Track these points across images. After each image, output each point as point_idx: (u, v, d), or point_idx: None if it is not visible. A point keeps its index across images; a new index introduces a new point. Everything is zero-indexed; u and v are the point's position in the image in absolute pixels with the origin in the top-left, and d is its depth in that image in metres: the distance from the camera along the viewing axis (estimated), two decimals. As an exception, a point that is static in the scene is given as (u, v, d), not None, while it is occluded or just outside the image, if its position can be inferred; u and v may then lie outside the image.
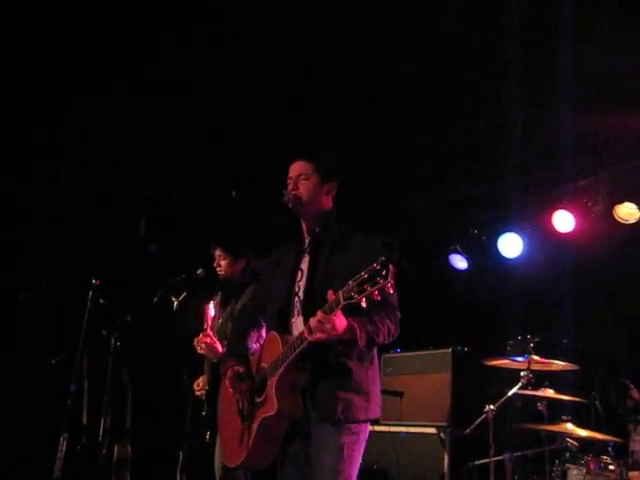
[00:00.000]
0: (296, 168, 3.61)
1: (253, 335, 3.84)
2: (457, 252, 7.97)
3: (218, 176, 6.52)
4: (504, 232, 7.53)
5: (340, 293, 3.03)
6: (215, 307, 5.26)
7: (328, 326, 3.07)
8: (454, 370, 6.45)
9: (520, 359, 5.40)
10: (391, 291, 2.93)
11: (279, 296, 3.58)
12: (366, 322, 3.21)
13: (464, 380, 6.44)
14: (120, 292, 6.57)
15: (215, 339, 4.85)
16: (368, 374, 3.43)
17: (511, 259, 7.51)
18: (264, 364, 3.49)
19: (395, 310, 3.39)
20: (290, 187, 3.57)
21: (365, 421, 3.39)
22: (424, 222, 7.92)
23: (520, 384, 5.34)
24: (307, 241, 3.63)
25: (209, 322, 4.99)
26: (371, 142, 6.38)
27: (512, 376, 5.53)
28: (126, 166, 6.77)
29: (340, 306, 3.05)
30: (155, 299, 5.33)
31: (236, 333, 3.92)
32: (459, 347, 6.58)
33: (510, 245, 7.50)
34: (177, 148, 6.53)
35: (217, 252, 5.14)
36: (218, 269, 5.13)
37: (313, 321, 3.12)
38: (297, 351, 3.26)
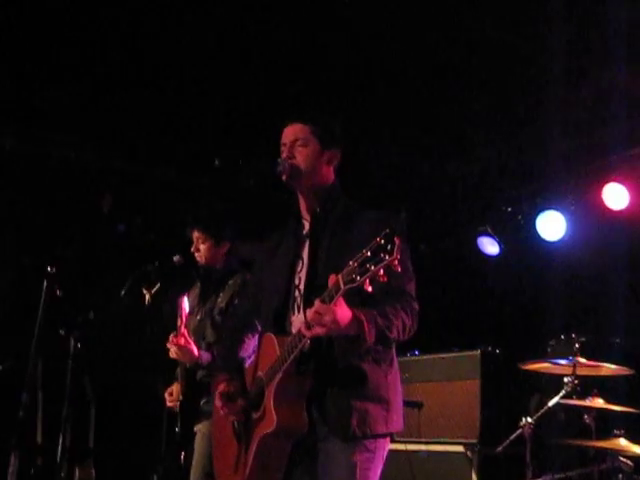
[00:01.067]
0: (291, 132, 3.55)
1: (248, 342, 3.81)
2: (487, 234, 7.96)
3: (198, 143, 6.51)
4: (544, 210, 7.51)
5: (340, 277, 2.97)
6: (192, 301, 5.24)
7: (327, 318, 3.01)
8: (484, 376, 6.43)
9: (563, 362, 5.38)
10: (399, 269, 2.87)
11: (276, 290, 3.55)
12: (375, 314, 3.15)
13: (496, 388, 6.43)
14: (81, 283, 6.63)
15: (190, 340, 4.83)
16: (387, 378, 3.39)
17: (552, 242, 7.49)
18: (260, 373, 3.47)
19: (412, 300, 3.34)
20: (285, 154, 3.52)
21: (385, 435, 3.36)
22: (447, 198, 7.91)
23: (563, 392, 5.33)
24: (307, 223, 3.60)
25: (183, 319, 4.96)
26: (377, 103, 6.38)
27: (554, 383, 5.51)
28: (87, 133, 6.75)
29: (341, 292, 2.98)
30: (123, 291, 5.30)
31: (227, 340, 3.90)
32: (489, 348, 6.57)
33: (551, 225, 7.49)
34: (148, 110, 6.51)
35: (195, 234, 5.12)
36: (196, 255, 5.11)
37: (310, 313, 3.08)
38: (295, 352, 3.23)
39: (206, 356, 4.79)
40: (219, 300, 4.99)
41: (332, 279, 3.03)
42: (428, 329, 7.46)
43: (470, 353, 6.59)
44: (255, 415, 3.41)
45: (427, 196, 7.88)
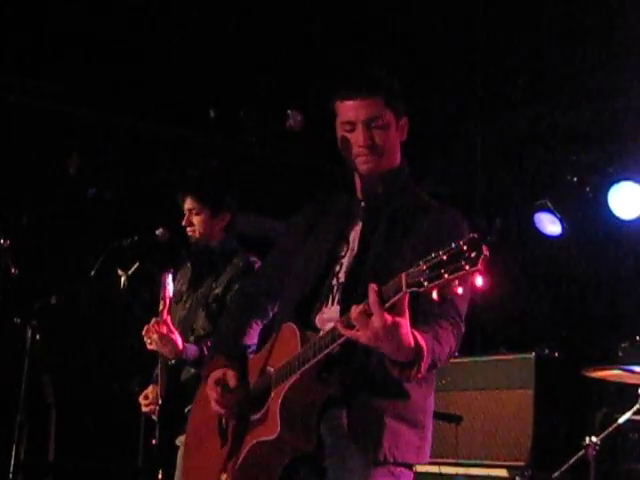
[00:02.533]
0: (363, 109, 3.53)
1: (255, 327, 3.84)
2: (546, 210, 7.95)
3: (188, 89, 6.53)
4: (617, 181, 7.50)
5: (403, 276, 2.94)
6: (179, 285, 5.29)
7: (377, 324, 2.96)
8: (538, 384, 6.45)
9: (638, 370, 5.40)
10: (477, 284, 2.89)
11: (306, 275, 3.58)
12: (433, 340, 3.13)
13: (553, 399, 6.46)
14: (41, 260, 6.66)
15: (174, 329, 4.85)
16: (427, 402, 3.45)
17: (627, 221, 7.49)
18: (270, 368, 3.51)
19: (461, 323, 3.33)
20: (363, 141, 3.51)
21: (412, 465, 3.40)
22: (497, 166, 7.91)
23: (637, 407, 5.36)
24: (362, 204, 3.64)
25: (166, 302, 4.99)
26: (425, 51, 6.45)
27: (625, 395, 5.53)
28: (50, 75, 6.78)
29: (400, 295, 2.94)
30: (93, 272, 5.36)
31: (231, 321, 3.91)
32: (546, 350, 6.59)
33: (626, 200, 7.48)
34: (125, 47, 6.54)
35: (187, 204, 5.15)
36: (188, 229, 5.14)
37: (356, 309, 3.08)
38: (324, 352, 3.25)
39: (193, 350, 4.79)
40: (214, 285, 5.02)
41: (373, 288, 3.03)
42: (471, 326, 7.52)
43: (522, 356, 6.61)
44: (253, 416, 3.45)
45: (474, 163, 7.89)
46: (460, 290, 2.86)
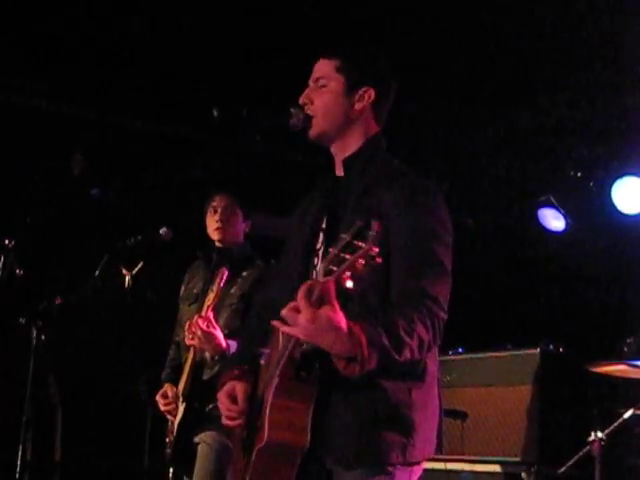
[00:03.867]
0: (314, 71, 3.56)
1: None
2: (550, 205, 7.95)
3: (191, 89, 6.53)
4: (621, 176, 7.50)
5: (321, 267, 2.91)
6: (191, 285, 5.31)
7: (302, 319, 2.91)
8: (543, 380, 6.46)
9: (643, 364, 5.41)
10: (379, 260, 2.75)
11: (292, 272, 3.56)
12: (381, 331, 3.01)
13: (558, 395, 6.46)
14: (46, 260, 6.67)
15: (216, 325, 4.83)
16: (413, 396, 3.32)
17: (631, 216, 7.49)
18: (268, 373, 3.51)
19: (436, 307, 3.16)
20: (301, 99, 3.54)
21: (403, 464, 3.30)
22: (499, 160, 7.90)
23: (643, 401, 5.36)
24: (330, 187, 3.61)
25: (216, 298, 4.96)
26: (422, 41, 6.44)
27: (631, 390, 5.53)
28: (55, 77, 6.78)
29: (318, 289, 2.88)
30: (97, 271, 5.37)
31: (247, 331, 3.88)
32: (551, 346, 6.59)
33: (630, 195, 7.48)
34: (128, 48, 6.54)
35: (220, 200, 5.16)
36: (217, 226, 5.15)
37: (287, 307, 3.06)
38: (286, 352, 3.21)
39: (235, 345, 4.74)
40: (232, 290, 5.03)
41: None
42: (475, 322, 7.54)
43: (527, 352, 6.62)
44: (257, 423, 3.43)
45: (476, 158, 7.88)
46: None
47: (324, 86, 3.50)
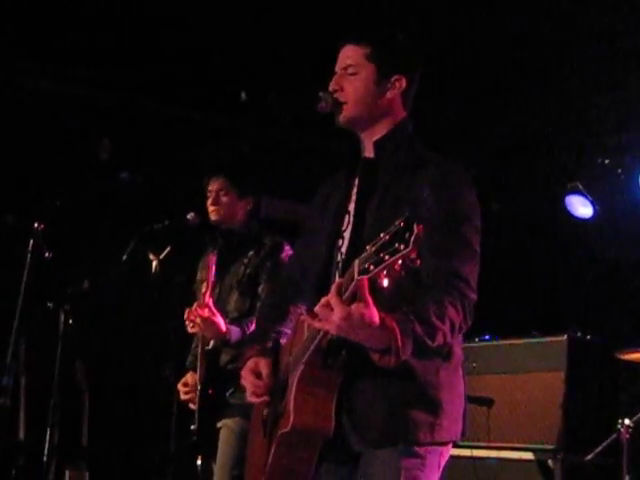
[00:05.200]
0: (342, 57, 3.55)
1: (295, 312, 3.81)
2: (577, 192, 7.93)
3: (219, 73, 6.52)
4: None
5: (356, 262, 2.91)
6: (202, 271, 5.31)
7: (336, 317, 2.94)
8: (571, 367, 6.43)
9: (672, 351, 5.39)
10: (417, 263, 2.75)
11: (319, 252, 3.56)
12: (413, 319, 3.05)
13: (585, 382, 6.44)
14: (74, 244, 6.69)
15: (216, 311, 4.86)
16: (439, 376, 3.35)
17: (660, 203, 7.46)
18: (290, 357, 3.51)
19: (466, 288, 3.21)
20: (331, 86, 3.54)
21: (432, 444, 3.33)
22: (528, 146, 7.87)
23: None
24: (358, 170, 3.61)
25: (209, 285, 5.00)
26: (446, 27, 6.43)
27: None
28: (81, 63, 6.79)
29: (353, 285, 2.90)
30: (125, 256, 5.38)
31: (269, 310, 3.90)
32: (579, 333, 6.57)
33: (659, 182, 7.46)
34: (155, 34, 6.54)
35: (213, 184, 5.17)
36: (212, 209, 5.16)
37: (320, 303, 3.05)
38: (316, 341, 3.23)
39: (236, 332, 4.82)
40: (244, 267, 5.04)
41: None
42: (502, 308, 7.52)
43: (554, 339, 6.59)
44: (280, 406, 3.45)
45: (504, 143, 7.85)
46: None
47: (355, 74, 3.49)
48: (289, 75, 5.80)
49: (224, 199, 5.12)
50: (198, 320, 4.81)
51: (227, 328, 4.81)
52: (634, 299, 7.38)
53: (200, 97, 7.03)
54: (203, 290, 4.98)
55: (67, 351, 5.20)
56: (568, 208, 8.03)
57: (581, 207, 7.99)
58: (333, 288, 2.97)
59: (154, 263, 5.47)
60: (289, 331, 3.70)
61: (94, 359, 6.43)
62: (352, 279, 2.90)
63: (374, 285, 2.88)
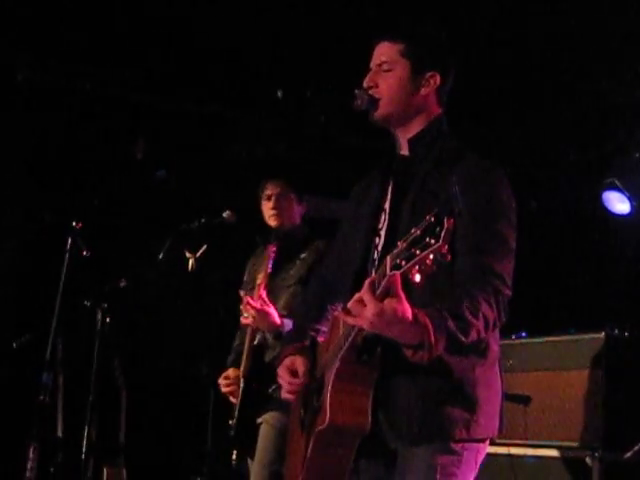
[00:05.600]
0: (377, 54, 3.57)
1: (332, 311, 3.82)
2: (615, 188, 7.87)
3: (254, 71, 6.53)
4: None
5: (388, 258, 2.92)
6: (252, 270, 5.33)
7: (369, 313, 2.95)
8: (609, 364, 6.38)
9: None
10: (449, 258, 2.76)
11: (355, 251, 3.57)
12: (446, 316, 3.06)
13: (624, 379, 6.38)
14: (111, 243, 6.73)
15: (270, 303, 4.87)
16: (475, 372, 3.36)
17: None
18: (327, 354, 3.52)
19: (501, 284, 3.22)
20: (366, 82, 3.54)
21: (468, 441, 3.34)
22: (565, 141, 7.84)
23: None
24: (394, 166, 3.61)
25: (266, 275, 5.01)
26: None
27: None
28: (117, 63, 6.83)
29: (386, 281, 2.91)
30: (161, 254, 5.40)
31: (305, 305, 3.93)
32: (617, 330, 6.52)
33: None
34: (189, 32, 6.56)
35: (273, 188, 5.23)
36: (272, 212, 5.19)
37: (353, 299, 3.05)
38: (350, 338, 3.23)
39: (289, 324, 4.80)
40: (291, 272, 5.06)
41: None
42: (539, 306, 7.49)
43: (592, 336, 6.54)
44: (317, 404, 3.47)
45: (540, 140, 7.82)
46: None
47: (389, 70, 3.51)
48: (325, 73, 5.80)
49: (284, 203, 5.17)
50: (252, 312, 4.83)
51: (281, 320, 4.83)
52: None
53: (236, 95, 7.04)
54: (258, 282, 5.00)
55: (104, 349, 5.23)
56: (605, 204, 7.98)
57: (618, 203, 7.93)
58: (366, 284, 2.98)
59: (190, 261, 5.50)
60: (326, 329, 3.71)
61: (131, 357, 6.45)
62: (384, 275, 2.91)
63: (406, 280, 2.89)
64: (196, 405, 6.16)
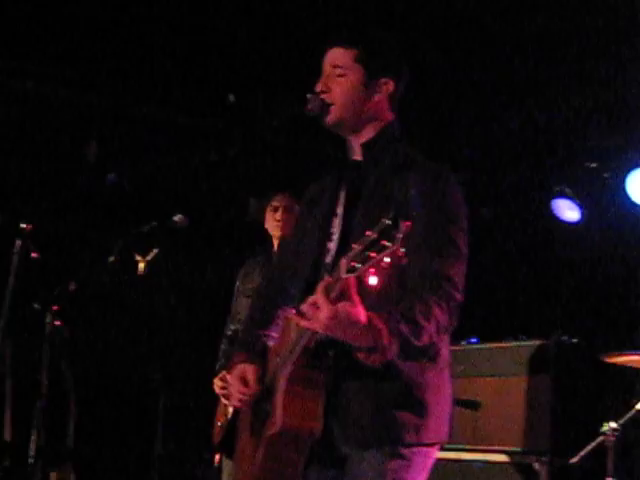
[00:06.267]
0: (329, 59, 3.56)
1: (282, 316, 3.81)
2: (565, 196, 7.93)
3: (207, 75, 6.51)
4: (637, 167, 7.46)
5: (343, 261, 2.92)
6: (247, 279, 5.41)
7: (323, 315, 2.96)
8: (557, 370, 6.43)
9: (657, 355, 5.40)
10: (404, 261, 2.79)
11: (307, 255, 3.57)
12: (399, 319, 3.08)
13: (572, 385, 6.44)
14: (61, 245, 6.68)
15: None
16: (426, 377, 3.38)
17: (646, 207, 7.46)
18: (278, 358, 3.51)
19: (452, 289, 3.24)
20: (318, 87, 3.54)
21: (418, 445, 3.36)
22: (515, 151, 7.88)
23: (657, 392, 5.35)
24: (345, 173, 3.62)
25: None
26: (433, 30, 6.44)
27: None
28: (69, 63, 6.78)
29: (339, 284, 2.92)
30: (111, 258, 5.37)
31: (255, 312, 3.92)
32: (565, 336, 6.57)
33: (645, 186, 7.45)
34: (143, 34, 6.53)
35: (281, 200, 5.35)
36: (279, 223, 5.38)
37: (306, 302, 3.05)
38: (302, 342, 3.24)
39: None
40: None
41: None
42: (490, 312, 7.52)
43: (541, 342, 6.58)
44: (268, 409, 3.46)
45: (491, 148, 7.86)
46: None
47: (343, 75, 3.51)
48: (276, 78, 5.79)
49: (290, 215, 5.30)
50: None
51: None
52: (620, 302, 7.39)
53: (187, 99, 7.03)
54: None
55: (53, 353, 5.19)
56: (555, 212, 8.04)
57: (568, 211, 7.99)
58: (320, 287, 2.99)
59: (141, 264, 5.47)
60: (276, 334, 3.71)
61: (80, 361, 6.42)
62: (339, 278, 2.92)
63: (361, 284, 2.90)
64: (145, 410, 6.12)
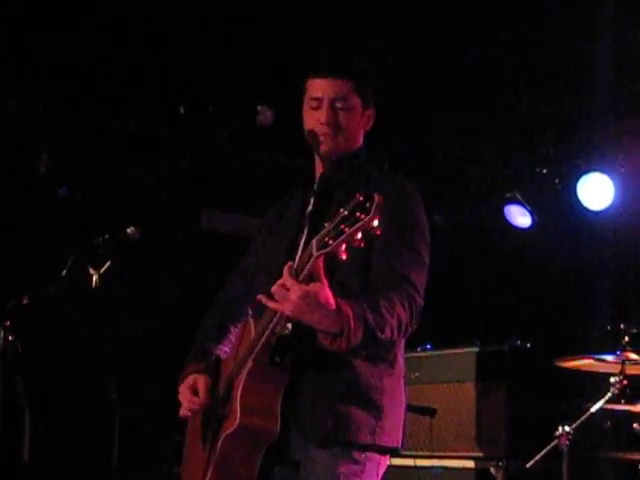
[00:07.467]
0: (329, 90, 3.56)
1: (233, 331, 3.84)
2: (516, 202, 7.97)
3: (157, 86, 6.50)
4: (586, 172, 7.52)
5: (314, 241, 2.98)
6: None
7: (294, 295, 3.02)
8: (511, 376, 6.49)
9: (610, 359, 5.45)
10: (378, 232, 2.85)
11: (272, 271, 3.58)
12: (365, 308, 3.14)
13: (526, 390, 6.48)
14: (12, 260, 6.62)
15: None
16: (383, 381, 3.42)
17: (597, 212, 7.51)
18: (235, 361, 3.52)
19: (414, 291, 3.32)
20: (323, 118, 3.52)
21: (372, 447, 3.39)
22: (465, 157, 7.92)
23: (609, 395, 5.39)
24: (315, 186, 3.66)
25: None
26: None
27: (597, 384, 5.55)
28: (18, 73, 6.73)
29: (312, 260, 2.98)
30: (64, 271, 5.33)
31: (207, 326, 3.91)
32: (519, 342, 6.61)
33: (595, 191, 7.49)
34: (94, 45, 6.51)
35: None
36: None
37: (276, 284, 3.10)
38: (267, 333, 3.26)
39: None
40: None
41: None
42: (444, 318, 7.56)
43: (495, 348, 6.64)
44: (223, 411, 3.47)
45: (442, 155, 7.89)
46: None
47: (349, 108, 3.57)
48: (228, 89, 5.79)
49: None
50: None
51: None
52: (572, 307, 7.44)
53: (138, 111, 7.00)
54: None
55: (7, 367, 5.14)
56: (507, 218, 8.08)
57: (520, 217, 8.04)
58: (286, 268, 3.05)
59: (94, 277, 5.43)
60: (228, 349, 3.74)
61: (34, 375, 6.36)
62: (310, 256, 2.98)
63: (334, 259, 2.95)
64: (102, 422, 6.08)
